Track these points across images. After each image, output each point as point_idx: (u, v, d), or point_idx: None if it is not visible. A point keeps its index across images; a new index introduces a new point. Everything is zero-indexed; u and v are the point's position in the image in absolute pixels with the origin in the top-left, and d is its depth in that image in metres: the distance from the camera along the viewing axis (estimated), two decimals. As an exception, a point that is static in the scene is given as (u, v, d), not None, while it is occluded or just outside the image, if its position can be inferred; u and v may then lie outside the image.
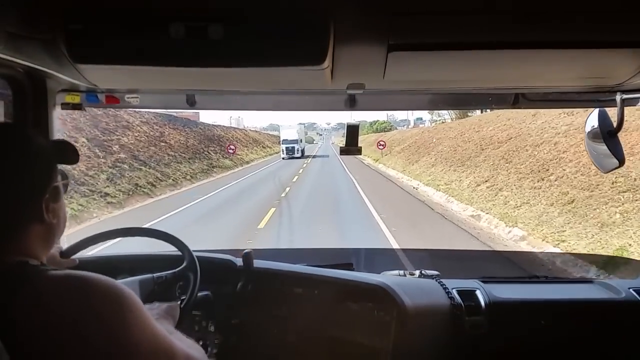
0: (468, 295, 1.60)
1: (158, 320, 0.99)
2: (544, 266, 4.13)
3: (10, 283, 0.67)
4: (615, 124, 1.28)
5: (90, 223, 11.27)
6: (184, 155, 23.41)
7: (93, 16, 0.87)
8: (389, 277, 1.65)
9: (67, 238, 1.30)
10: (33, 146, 0.77)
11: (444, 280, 1.67)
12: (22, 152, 0.75)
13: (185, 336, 0.94)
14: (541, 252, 6.92)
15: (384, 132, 69.49)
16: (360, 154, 1.51)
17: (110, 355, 0.66)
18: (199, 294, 1.35)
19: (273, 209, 11.46)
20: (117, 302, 0.69)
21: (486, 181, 12.97)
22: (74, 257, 1.22)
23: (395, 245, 7.37)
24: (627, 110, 1.34)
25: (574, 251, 7.05)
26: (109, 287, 0.70)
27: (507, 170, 12.93)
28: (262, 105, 1.61)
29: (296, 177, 21.00)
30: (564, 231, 8.06)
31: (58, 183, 0.80)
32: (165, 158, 21.18)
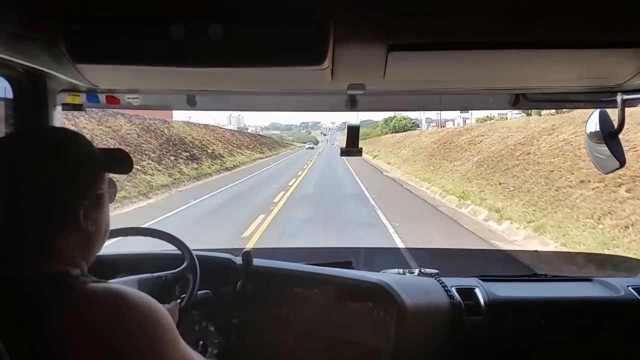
0: (467, 293, 1.60)
1: None
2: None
3: (50, 293, 0.67)
4: (616, 125, 1.28)
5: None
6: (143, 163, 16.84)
7: (93, 16, 0.87)
8: (388, 276, 1.66)
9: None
10: (73, 151, 0.77)
11: (443, 279, 1.67)
12: (61, 157, 0.75)
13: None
14: (541, 251, 6.92)
15: (404, 131, 61.37)
16: (361, 155, 1.51)
17: None
18: (199, 293, 1.35)
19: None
20: (152, 320, 0.69)
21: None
22: None
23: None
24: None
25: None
26: (146, 305, 0.70)
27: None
28: (262, 105, 1.61)
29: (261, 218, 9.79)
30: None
31: (102, 191, 0.79)
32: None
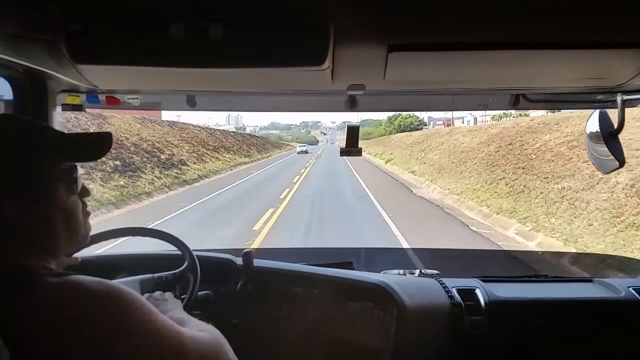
0: (468, 294, 1.60)
1: (171, 311, 1.01)
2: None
3: (9, 288, 0.67)
4: (615, 125, 1.28)
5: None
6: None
7: (93, 17, 0.87)
8: (388, 276, 1.66)
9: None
10: (39, 139, 0.75)
11: (443, 279, 1.67)
12: (27, 145, 0.74)
13: (198, 321, 0.94)
14: (542, 251, 6.89)
15: (410, 130, 58.10)
16: (360, 155, 1.51)
17: (118, 355, 0.66)
18: (199, 293, 1.36)
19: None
20: (116, 301, 0.68)
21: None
22: (75, 255, 1.22)
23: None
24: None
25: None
26: (107, 289, 0.69)
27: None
28: (263, 106, 1.61)
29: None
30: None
31: (69, 179, 0.78)
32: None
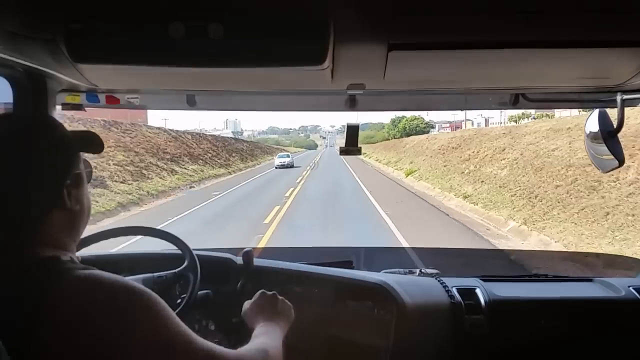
0: (468, 293, 1.60)
1: None
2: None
3: (45, 278, 0.68)
4: (615, 125, 1.28)
5: None
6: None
7: (93, 16, 0.87)
8: (388, 276, 1.66)
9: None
10: (54, 134, 0.78)
11: (443, 279, 1.67)
12: (43, 140, 0.77)
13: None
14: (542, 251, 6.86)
15: (416, 133, 53.64)
16: (360, 154, 1.51)
17: (129, 354, 0.67)
18: (199, 293, 1.36)
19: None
20: (143, 301, 0.70)
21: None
22: (77, 254, 1.23)
23: None
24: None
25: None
26: (129, 284, 0.72)
27: None
28: (262, 105, 1.61)
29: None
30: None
31: (80, 170, 0.81)
32: None
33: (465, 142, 20.51)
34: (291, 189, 17.22)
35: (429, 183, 17.34)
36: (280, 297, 1.15)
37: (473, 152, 18.14)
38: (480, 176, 14.68)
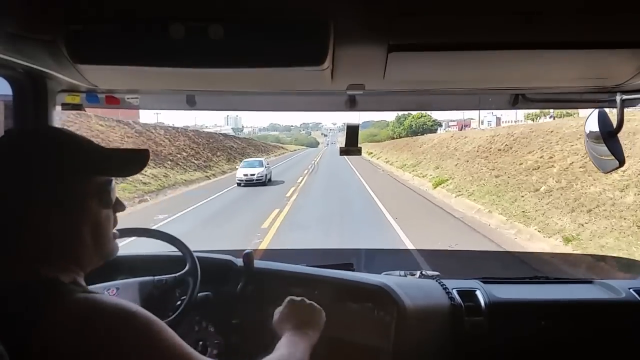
0: (468, 295, 1.60)
1: None
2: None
3: (40, 300, 0.67)
4: (615, 125, 1.28)
5: None
6: None
7: (93, 16, 0.87)
8: (389, 278, 1.65)
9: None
10: (67, 152, 0.75)
11: (444, 281, 1.67)
12: (47, 159, 0.74)
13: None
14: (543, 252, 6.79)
15: (422, 132, 50.77)
16: (360, 154, 1.51)
17: None
18: (199, 295, 1.35)
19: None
20: (140, 322, 0.68)
21: None
22: None
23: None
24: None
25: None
26: (130, 309, 0.69)
27: None
28: (262, 105, 1.61)
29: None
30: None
31: (97, 196, 0.77)
32: None
33: (517, 141, 14.42)
34: (277, 211, 11.64)
35: (480, 204, 11.21)
36: (309, 302, 1.09)
37: (541, 156, 12.19)
38: (581, 199, 8.80)
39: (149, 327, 0.69)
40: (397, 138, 58.12)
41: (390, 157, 30.90)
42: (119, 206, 0.83)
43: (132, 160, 0.82)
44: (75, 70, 1.09)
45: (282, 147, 62.93)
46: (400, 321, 1.46)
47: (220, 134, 43.06)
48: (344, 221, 10.32)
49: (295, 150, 68.95)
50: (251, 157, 31.25)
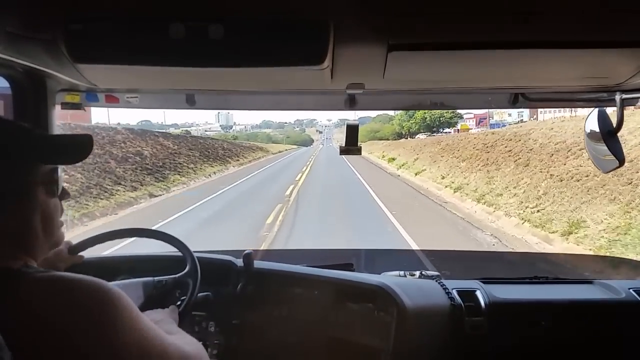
0: (468, 295, 1.60)
1: (160, 322, 0.99)
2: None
3: None
4: (614, 124, 1.28)
5: None
6: None
7: (93, 16, 0.88)
8: (389, 278, 1.65)
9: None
10: (11, 141, 0.73)
11: (444, 281, 1.67)
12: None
13: (187, 335, 0.93)
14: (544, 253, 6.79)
15: (439, 126, 42.81)
16: (360, 154, 1.51)
17: (98, 356, 0.65)
18: (200, 295, 1.35)
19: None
20: (104, 302, 0.67)
21: None
22: (81, 253, 1.23)
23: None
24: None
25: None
26: (95, 287, 0.68)
27: None
28: (262, 104, 1.61)
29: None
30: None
31: (39, 180, 0.75)
32: None
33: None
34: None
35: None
36: None
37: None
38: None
39: (117, 300, 0.68)
40: (406, 135, 49.16)
41: (415, 162, 19.36)
42: (65, 195, 0.83)
43: (72, 148, 0.80)
44: (74, 70, 1.09)
45: (262, 149, 46.48)
46: (400, 321, 1.45)
47: (168, 133, 29.41)
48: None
49: (279, 152, 52.02)
50: (203, 169, 20.91)
